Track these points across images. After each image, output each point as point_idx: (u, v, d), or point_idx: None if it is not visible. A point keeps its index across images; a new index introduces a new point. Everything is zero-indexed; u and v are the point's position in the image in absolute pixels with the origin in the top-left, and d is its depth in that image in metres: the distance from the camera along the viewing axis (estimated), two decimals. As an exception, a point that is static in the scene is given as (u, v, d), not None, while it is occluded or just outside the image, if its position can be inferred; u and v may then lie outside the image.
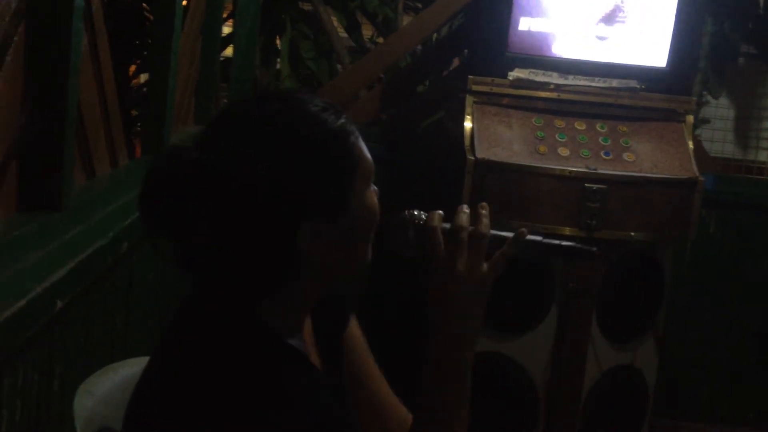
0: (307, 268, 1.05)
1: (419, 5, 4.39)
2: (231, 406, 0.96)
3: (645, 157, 2.70)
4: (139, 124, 3.38)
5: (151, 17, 3.09)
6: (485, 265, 1.14)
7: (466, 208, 1.17)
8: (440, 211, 1.17)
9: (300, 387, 1.01)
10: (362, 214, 1.08)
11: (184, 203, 1.02)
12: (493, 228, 1.17)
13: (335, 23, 4.19)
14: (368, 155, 1.09)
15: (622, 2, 2.78)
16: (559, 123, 2.74)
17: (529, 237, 1.18)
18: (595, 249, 1.19)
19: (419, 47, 3.91)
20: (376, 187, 1.12)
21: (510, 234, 1.17)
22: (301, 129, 1.03)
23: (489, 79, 2.73)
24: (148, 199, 1.05)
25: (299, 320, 1.13)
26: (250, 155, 1.01)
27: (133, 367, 1.34)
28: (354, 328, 1.29)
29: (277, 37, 4.21)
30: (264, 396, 0.98)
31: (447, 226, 1.15)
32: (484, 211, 1.15)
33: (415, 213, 1.16)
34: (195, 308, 1.09)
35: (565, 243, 1.20)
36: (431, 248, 1.14)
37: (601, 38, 2.79)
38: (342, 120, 1.06)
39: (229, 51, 3.52)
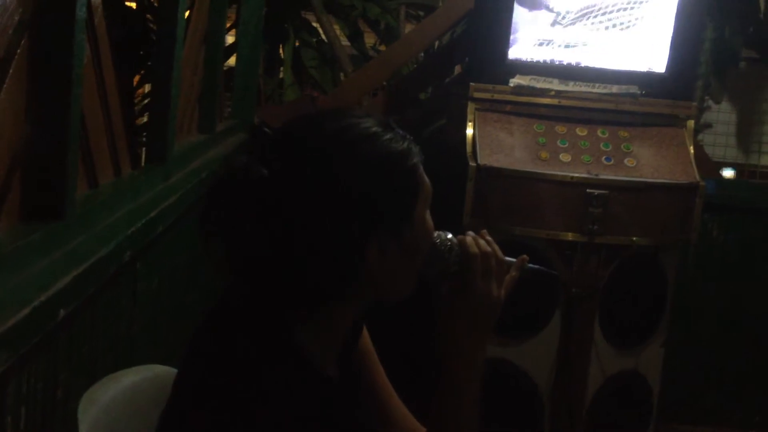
0: (366, 284, 1.08)
1: (421, 13, 4.41)
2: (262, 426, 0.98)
3: (646, 162, 2.71)
4: (143, 133, 3.40)
5: (155, 27, 3.11)
6: (503, 289, 1.21)
7: (483, 235, 1.22)
8: (471, 234, 1.21)
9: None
10: (422, 235, 1.12)
11: (256, 218, 1.04)
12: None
13: (338, 32, 4.22)
14: (427, 179, 1.13)
15: (622, 8, 2.79)
16: (561, 129, 2.75)
17: (530, 265, 1.26)
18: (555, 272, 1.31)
19: (421, 55, 3.93)
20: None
21: (513, 259, 1.23)
22: (365, 147, 1.06)
23: (490, 86, 2.75)
24: (214, 213, 1.07)
25: (335, 346, 1.15)
26: (322, 173, 1.04)
27: (136, 376, 1.35)
28: (365, 339, 1.31)
29: (280, 46, 4.23)
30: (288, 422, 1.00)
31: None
32: (489, 238, 1.21)
33: (445, 236, 1.19)
34: (234, 320, 1.09)
35: (541, 269, 1.30)
36: (473, 275, 1.18)
37: (601, 44, 2.80)
38: (407, 142, 1.10)
39: (232, 60, 3.54)
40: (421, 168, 1.12)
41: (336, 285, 1.07)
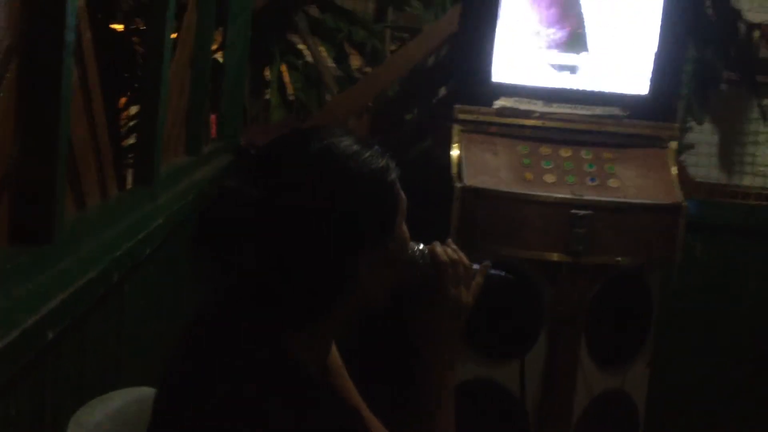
0: (354, 297, 1.12)
1: (406, 36, 4.44)
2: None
3: (630, 182, 2.73)
4: (130, 155, 3.40)
5: (141, 49, 3.12)
6: (471, 295, 1.26)
7: (449, 243, 1.28)
8: (438, 243, 1.26)
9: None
10: (402, 246, 1.18)
11: (247, 238, 1.07)
12: None
13: (323, 54, 4.24)
14: (403, 194, 1.17)
15: (604, 31, 2.82)
16: (545, 150, 2.77)
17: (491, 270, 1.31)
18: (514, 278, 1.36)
19: (406, 76, 3.96)
20: None
21: (478, 266, 1.29)
22: (348, 165, 1.10)
23: (475, 108, 2.77)
24: (206, 235, 1.09)
25: (323, 355, 1.19)
26: (312, 192, 1.08)
27: (123, 399, 1.35)
28: (334, 356, 1.33)
29: (266, 68, 4.24)
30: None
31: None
32: (454, 246, 1.27)
33: (417, 246, 1.24)
34: (220, 333, 1.12)
35: (501, 273, 1.33)
36: (443, 282, 1.23)
37: (584, 66, 2.83)
38: (385, 159, 1.14)
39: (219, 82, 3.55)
40: (398, 182, 1.16)
41: (327, 302, 1.11)
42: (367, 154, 1.12)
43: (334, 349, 1.33)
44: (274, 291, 1.09)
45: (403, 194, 1.17)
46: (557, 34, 2.81)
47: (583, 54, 2.82)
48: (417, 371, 1.23)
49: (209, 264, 1.10)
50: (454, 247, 1.26)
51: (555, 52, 2.81)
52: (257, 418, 1.01)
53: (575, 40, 2.82)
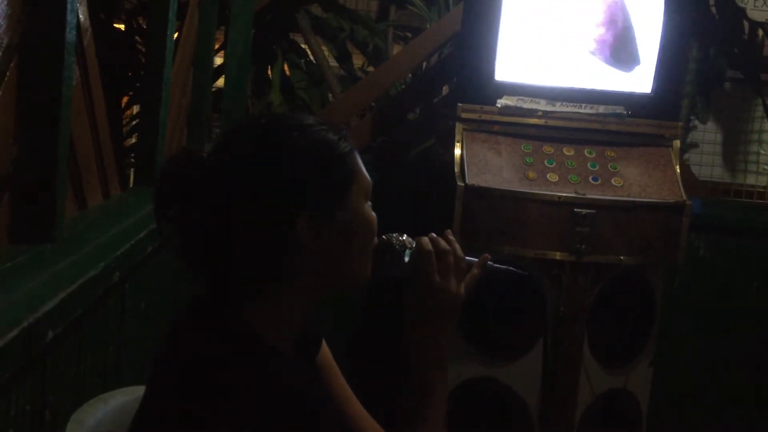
0: (307, 265, 1.13)
1: (408, 35, 4.43)
2: (223, 407, 1.01)
3: (633, 181, 2.73)
4: (131, 154, 3.40)
5: (143, 49, 3.12)
6: (462, 286, 1.26)
7: (447, 234, 1.29)
8: (431, 235, 1.28)
9: (287, 384, 1.06)
10: (360, 222, 1.18)
11: (191, 198, 1.13)
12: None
13: (326, 53, 4.24)
14: (366, 173, 1.19)
15: (607, 29, 2.82)
16: (548, 149, 2.76)
17: (489, 263, 1.30)
18: (527, 273, 1.38)
19: (409, 76, 3.95)
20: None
21: (475, 259, 1.29)
22: (294, 133, 1.14)
23: (478, 107, 2.76)
24: (161, 195, 1.15)
25: (290, 332, 1.17)
26: (249, 155, 1.13)
27: (124, 397, 1.34)
28: (325, 350, 1.35)
29: (269, 68, 4.24)
30: (253, 396, 1.03)
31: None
32: (452, 237, 1.27)
33: (399, 237, 1.26)
34: (193, 313, 1.17)
35: (509, 268, 1.34)
36: (427, 271, 1.24)
37: (587, 65, 2.82)
38: (339, 135, 1.17)
39: (220, 82, 3.55)
40: (357, 160, 1.18)
41: (273, 262, 1.13)
42: (318, 128, 1.16)
43: (324, 346, 1.34)
44: (219, 250, 1.13)
45: (365, 174, 1.19)
46: (561, 32, 2.80)
47: (587, 53, 2.81)
48: (405, 370, 1.23)
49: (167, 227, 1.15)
50: (451, 238, 1.27)
51: (558, 50, 2.80)
52: (214, 389, 1.02)
53: (579, 39, 2.81)
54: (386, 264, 1.24)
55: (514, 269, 1.34)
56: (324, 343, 1.35)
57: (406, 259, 1.24)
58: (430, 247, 1.24)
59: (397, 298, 1.23)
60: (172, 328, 1.17)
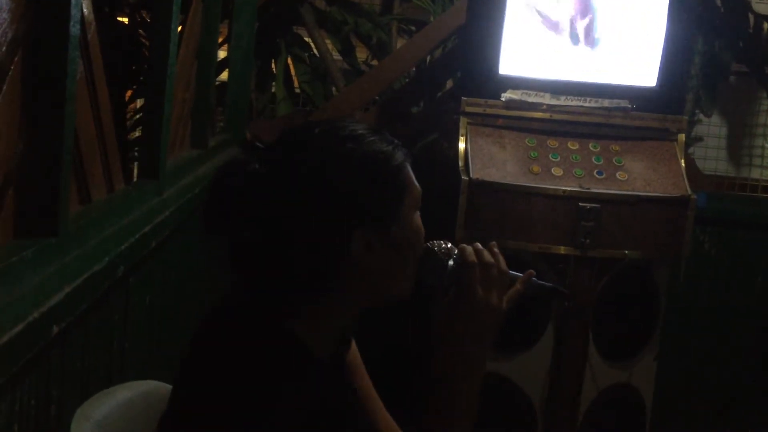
0: (356, 279, 1.12)
1: (412, 29, 4.42)
2: (254, 413, 1.01)
3: (637, 175, 2.72)
4: (135, 148, 3.40)
5: (147, 42, 3.12)
6: (504, 300, 1.22)
7: (492, 247, 1.25)
8: (476, 245, 1.24)
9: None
10: (410, 234, 1.16)
11: (246, 208, 1.11)
12: None
13: (330, 46, 4.23)
14: (416, 183, 1.18)
15: (612, 23, 2.81)
16: (552, 143, 2.76)
17: (534, 279, 1.26)
18: (570, 292, 1.31)
19: (413, 69, 3.95)
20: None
21: (519, 274, 1.25)
22: (348, 144, 1.12)
23: (482, 101, 2.76)
24: (213, 204, 1.14)
25: (330, 339, 1.18)
26: (306, 169, 1.11)
27: (130, 392, 1.34)
28: (354, 353, 1.33)
29: (272, 61, 4.24)
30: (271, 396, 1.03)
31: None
32: (496, 250, 1.23)
33: (443, 245, 1.23)
34: (231, 316, 1.15)
35: (554, 286, 1.31)
36: (470, 283, 1.20)
37: (592, 59, 2.81)
38: (393, 145, 1.16)
39: (224, 75, 3.55)
40: (409, 171, 1.17)
41: (323, 276, 1.12)
42: (371, 139, 1.14)
43: (354, 347, 1.33)
44: (271, 263, 1.11)
45: (416, 185, 1.18)
46: (565, 26, 2.79)
47: (592, 46, 2.81)
48: (429, 380, 1.20)
49: (217, 238, 1.13)
50: (496, 251, 1.23)
51: (563, 44, 2.80)
52: (256, 397, 1.02)
53: (583, 33, 2.80)
54: (427, 271, 1.21)
55: (558, 287, 1.31)
56: (353, 342, 1.33)
57: (448, 266, 1.21)
58: (474, 258, 1.20)
59: (401, 302, 1.21)
60: (205, 330, 1.15)
